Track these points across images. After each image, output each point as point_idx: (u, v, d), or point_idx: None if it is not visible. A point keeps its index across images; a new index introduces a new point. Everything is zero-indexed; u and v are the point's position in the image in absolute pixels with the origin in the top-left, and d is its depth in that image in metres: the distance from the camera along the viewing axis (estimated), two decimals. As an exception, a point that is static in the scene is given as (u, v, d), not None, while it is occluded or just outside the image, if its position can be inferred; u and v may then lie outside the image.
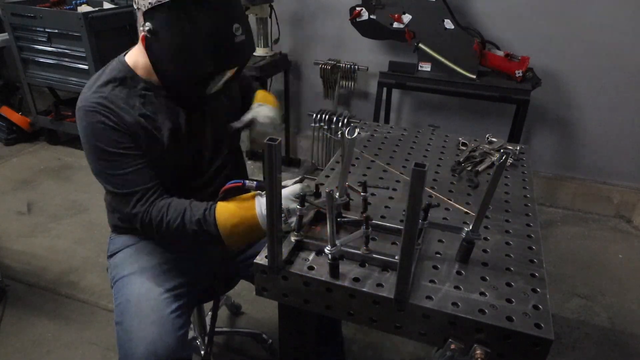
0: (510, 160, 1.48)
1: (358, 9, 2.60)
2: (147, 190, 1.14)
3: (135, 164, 1.14)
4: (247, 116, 1.35)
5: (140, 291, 1.19)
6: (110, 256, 1.37)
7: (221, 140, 1.35)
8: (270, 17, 2.88)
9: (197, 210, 1.10)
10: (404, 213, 0.82)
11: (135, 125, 1.14)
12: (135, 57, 1.19)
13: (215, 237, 1.09)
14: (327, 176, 1.33)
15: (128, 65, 1.19)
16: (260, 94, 1.46)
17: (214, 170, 1.34)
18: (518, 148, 1.57)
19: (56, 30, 3.09)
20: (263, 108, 1.37)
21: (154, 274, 1.24)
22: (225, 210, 1.08)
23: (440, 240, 1.08)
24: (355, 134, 1.14)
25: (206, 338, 1.79)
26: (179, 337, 1.14)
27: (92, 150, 1.13)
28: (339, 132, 1.16)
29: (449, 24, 2.46)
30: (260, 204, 1.06)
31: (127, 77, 1.17)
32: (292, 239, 1.02)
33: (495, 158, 1.45)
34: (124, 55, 1.22)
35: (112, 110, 1.12)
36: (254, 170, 3.34)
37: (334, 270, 0.94)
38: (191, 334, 1.82)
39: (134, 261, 1.28)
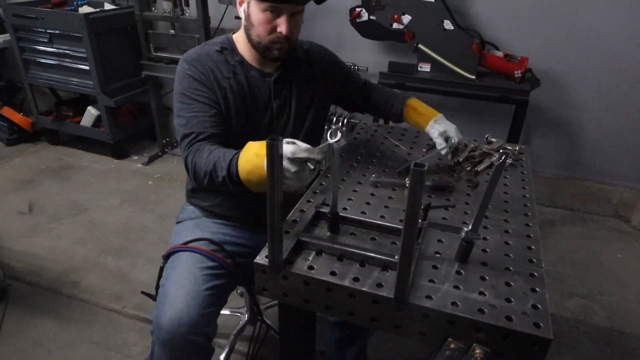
0: (509, 161, 1.49)
1: (358, 9, 2.61)
2: (199, 135, 1.25)
3: (201, 111, 1.28)
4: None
5: (186, 262, 1.31)
6: (177, 222, 1.54)
7: (304, 115, 1.45)
8: (271, 17, 2.89)
9: (229, 155, 1.17)
10: (403, 212, 0.83)
11: (217, 83, 1.32)
12: (238, 34, 1.40)
13: (243, 184, 1.15)
14: (316, 192, 1.27)
15: (232, 40, 1.40)
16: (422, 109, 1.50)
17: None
18: (517, 148, 1.57)
19: (57, 31, 3.10)
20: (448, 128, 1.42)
21: (200, 252, 1.34)
22: (245, 155, 1.13)
23: (440, 240, 1.08)
24: (338, 136, 1.11)
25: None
26: (206, 314, 1.22)
27: (175, 93, 1.33)
28: (326, 142, 1.07)
29: (448, 24, 2.46)
30: None
31: (228, 48, 1.38)
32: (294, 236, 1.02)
33: (495, 158, 1.45)
34: (232, 33, 1.43)
35: (201, 65, 1.32)
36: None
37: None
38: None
39: (190, 234, 1.40)
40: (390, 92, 1.62)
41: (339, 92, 1.58)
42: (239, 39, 1.39)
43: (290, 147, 1.02)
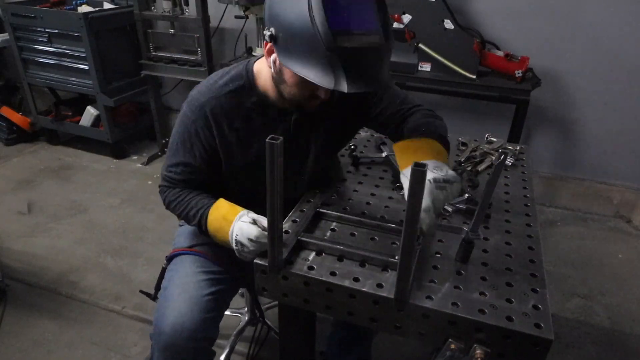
0: (510, 160, 1.49)
1: (358, 9, 2.60)
2: (179, 182, 1.26)
3: (188, 164, 1.24)
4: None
5: (190, 267, 1.30)
6: (180, 225, 1.51)
7: (324, 153, 1.31)
8: (270, 17, 2.88)
9: (201, 205, 1.22)
10: (404, 211, 0.82)
11: (221, 137, 1.20)
12: (261, 65, 1.19)
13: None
14: (316, 192, 1.26)
15: (252, 74, 1.20)
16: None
17: (307, 180, 1.33)
18: (518, 148, 1.57)
19: (56, 31, 3.10)
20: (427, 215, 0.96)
21: (203, 256, 1.33)
22: (215, 213, 1.18)
23: (440, 240, 1.08)
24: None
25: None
26: (207, 318, 1.22)
27: (174, 130, 1.25)
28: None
29: (448, 24, 2.46)
30: (238, 227, 1.11)
31: (245, 86, 1.19)
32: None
33: (495, 158, 1.45)
34: (255, 60, 1.22)
35: (204, 118, 1.18)
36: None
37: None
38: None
39: (192, 238, 1.39)
40: (415, 127, 1.22)
41: (370, 118, 1.30)
42: (261, 72, 1.18)
43: (253, 231, 1.07)
